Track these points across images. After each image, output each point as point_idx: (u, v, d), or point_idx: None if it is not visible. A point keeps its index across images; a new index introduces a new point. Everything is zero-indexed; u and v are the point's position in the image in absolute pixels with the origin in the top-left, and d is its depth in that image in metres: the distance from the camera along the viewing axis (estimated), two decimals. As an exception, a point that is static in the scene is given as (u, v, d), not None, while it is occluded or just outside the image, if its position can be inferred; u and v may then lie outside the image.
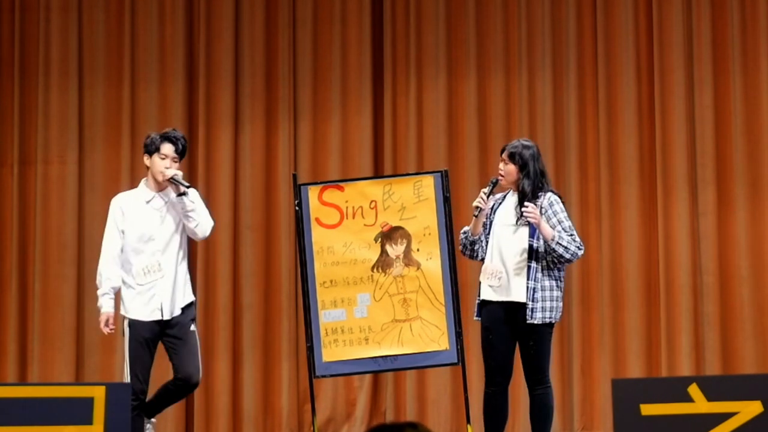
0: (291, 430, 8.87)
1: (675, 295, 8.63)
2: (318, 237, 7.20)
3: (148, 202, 6.55)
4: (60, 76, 9.11)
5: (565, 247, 6.31)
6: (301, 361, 8.79)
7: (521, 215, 6.39)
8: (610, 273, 8.72)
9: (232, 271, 8.92)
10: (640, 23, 8.87)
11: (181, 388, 6.56)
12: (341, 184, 7.38)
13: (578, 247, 6.36)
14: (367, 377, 8.74)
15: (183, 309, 6.56)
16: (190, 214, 6.45)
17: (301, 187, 7.28)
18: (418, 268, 7.16)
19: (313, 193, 7.24)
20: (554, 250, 6.29)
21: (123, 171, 9.06)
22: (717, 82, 8.77)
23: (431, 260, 7.14)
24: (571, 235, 6.37)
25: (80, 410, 6.55)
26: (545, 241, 6.30)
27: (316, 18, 9.13)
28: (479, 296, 6.51)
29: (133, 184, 9.01)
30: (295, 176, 7.48)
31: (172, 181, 6.50)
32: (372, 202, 7.23)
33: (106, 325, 6.57)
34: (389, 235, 7.21)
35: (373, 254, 7.20)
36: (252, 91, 9.09)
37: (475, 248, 6.53)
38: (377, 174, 8.82)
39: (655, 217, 8.73)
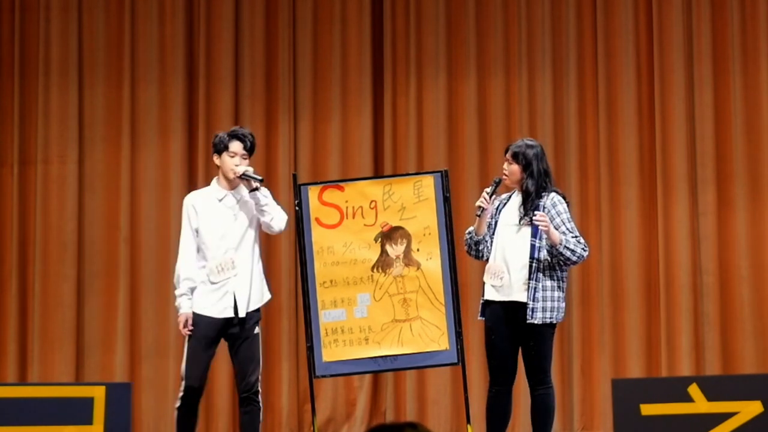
0: (291, 430, 8.87)
1: (675, 295, 8.63)
2: (318, 237, 7.19)
3: (220, 200, 6.55)
4: (60, 76, 9.11)
5: (572, 250, 6.30)
6: (301, 361, 8.79)
7: (524, 215, 6.39)
8: (610, 273, 8.72)
9: (232, 271, 8.92)
10: (640, 23, 8.87)
11: (240, 398, 6.52)
12: (341, 184, 7.38)
13: (583, 248, 6.35)
14: (367, 377, 8.74)
15: (255, 308, 6.51)
16: (264, 208, 6.46)
17: (301, 187, 7.27)
18: (418, 268, 7.16)
19: (313, 193, 7.24)
20: (561, 254, 6.27)
21: (123, 171, 9.06)
22: (717, 82, 8.77)
23: (431, 260, 7.14)
24: (576, 236, 6.35)
25: (80, 410, 6.56)
26: (552, 246, 6.27)
27: (316, 18, 9.13)
28: (483, 296, 6.51)
29: (133, 184, 9.06)
30: (295, 176, 7.48)
31: (244, 177, 6.50)
32: (372, 202, 7.23)
33: (185, 326, 6.46)
34: (389, 235, 7.21)
35: (373, 254, 7.19)
36: (252, 91, 9.09)
37: (480, 248, 6.52)
38: (377, 174, 8.82)
39: (655, 217, 8.73)
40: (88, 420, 6.67)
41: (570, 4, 8.92)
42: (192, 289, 6.48)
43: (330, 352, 7.16)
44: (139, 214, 9.02)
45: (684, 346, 8.58)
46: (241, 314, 6.44)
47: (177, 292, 6.51)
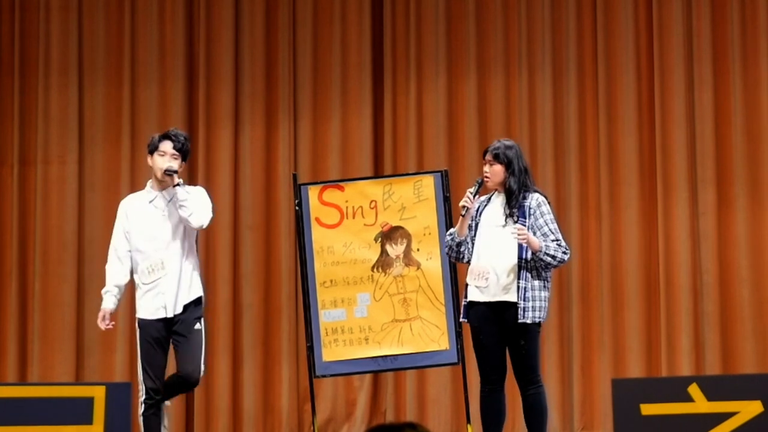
0: (291, 430, 8.87)
1: (675, 295, 8.63)
2: (318, 237, 7.20)
3: (150, 201, 6.57)
4: (60, 76, 9.11)
5: (552, 256, 6.30)
6: (301, 361, 8.79)
7: (510, 215, 6.37)
8: (610, 273, 8.71)
9: (232, 271, 8.92)
10: (640, 23, 8.87)
11: (179, 385, 6.57)
12: (341, 184, 7.39)
13: (564, 252, 6.34)
14: (367, 377, 8.74)
15: (188, 305, 6.53)
16: (182, 203, 6.46)
17: (301, 187, 7.28)
18: (418, 268, 7.17)
19: (313, 193, 7.25)
20: (542, 260, 6.29)
21: (123, 171, 9.06)
22: (717, 82, 8.77)
23: (431, 260, 7.14)
24: (557, 239, 6.34)
25: (80, 410, 6.55)
26: (534, 253, 6.28)
27: (316, 18, 9.13)
28: (466, 297, 6.47)
29: (133, 184, 9.05)
30: (295, 176, 7.49)
31: (166, 173, 6.51)
32: (372, 201, 7.24)
33: (103, 320, 6.61)
34: (389, 234, 7.22)
35: (373, 254, 7.20)
36: (252, 91, 9.09)
37: (461, 249, 6.47)
38: (377, 174, 8.82)
39: (655, 217, 8.73)
40: (88, 420, 6.66)
41: (570, 4, 8.92)
42: (118, 286, 6.60)
43: (330, 352, 7.16)
44: (139, 214, 9.02)
45: (684, 346, 8.57)
46: (170, 314, 6.46)
47: (102, 290, 6.69)
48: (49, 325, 8.94)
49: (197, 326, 6.53)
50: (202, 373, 6.57)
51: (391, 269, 7.19)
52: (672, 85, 8.76)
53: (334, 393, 8.87)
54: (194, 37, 9.17)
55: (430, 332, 7.14)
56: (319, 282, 7.19)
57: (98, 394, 6.63)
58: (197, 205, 6.50)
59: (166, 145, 6.54)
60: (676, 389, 6.34)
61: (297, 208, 7.20)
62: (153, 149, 6.58)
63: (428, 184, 7.19)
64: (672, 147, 8.73)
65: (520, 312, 6.27)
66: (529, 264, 6.30)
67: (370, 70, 9.05)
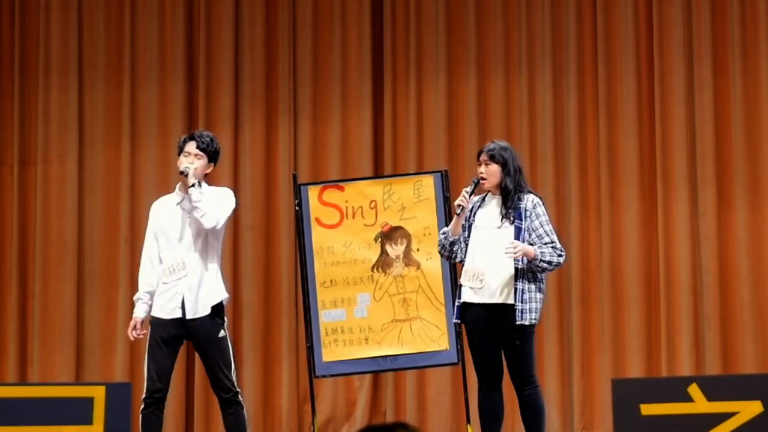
0: (291, 430, 8.87)
1: (675, 295, 8.63)
2: (318, 237, 7.20)
3: (177, 203, 6.55)
4: (60, 76, 9.11)
5: (548, 261, 6.29)
6: (301, 361, 8.79)
7: (506, 215, 6.37)
8: (610, 273, 8.71)
9: (232, 271, 8.91)
10: (640, 23, 8.87)
11: (226, 414, 6.51)
12: (341, 184, 7.39)
13: (559, 255, 6.33)
14: (367, 377, 8.74)
15: (212, 308, 6.46)
16: (195, 204, 6.44)
17: (301, 187, 7.29)
18: (418, 268, 7.17)
19: (313, 193, 7.25)
20: (538, 266, 6.28)
21: (123, 171, 9.06)
22: (717, 82, 8.77)
23: (431, 260, 7.15)
24: (552, 242, 6.33)
25: (80, 410, 6.56)
26: (530, 261, 6.26)
27: (316, 18, 9.13)
28: (459, 298, 6.45)
29: (133, 184, 9.07)
30: (295, 176, 7.49)
31: (181, 174, 6.49)
32: (372, 202, 7.24)
33: (134, 329, 6.49)
34: (389, 235, 7.22)
35: (373, 254, 7.20)
36: (252, 91, 9.10)
37: (454, 249, 6.46)
38: (377, 174, 8.82)
39: (655, 217, 8.73)
40: (88, 420, 6.67)
41: (570, 4, 8.92)
42: (149, 294, 6.48)
43: (330, 352, 7.17)
44: (139, 214, 9.02)
45: (684, 346, 8.57)
46: (189, 316, 6.42)
47: (134, 297, 6.56)
48: (49, 325, 8.94)
49: (221, 334, 6.47)
50: (234, 380, 6.47)
51: (391, 269, 7.19)
52: (672, 86, 8.76)
53: (334, 393, 8.87)
54: (194, 37, 9.18)
55: (430, 332, 7.14)
56: (319, 282, 7.19)
57: (98, 394, 6.65)
58: (212, 205, 6.47)
59: (191, 146, 6.53)
60: (676, 389, 6.34)
61: (297, 208, 7.20)
62: (179, 150, 6.57)
63: (428, 184, 7.20)
64: (672, 147, 8.73)
65: (518, 314, 6.26)
66: (526, 266, 6.30)
67: (370, 71, 9.05)
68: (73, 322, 8.95)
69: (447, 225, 6.99)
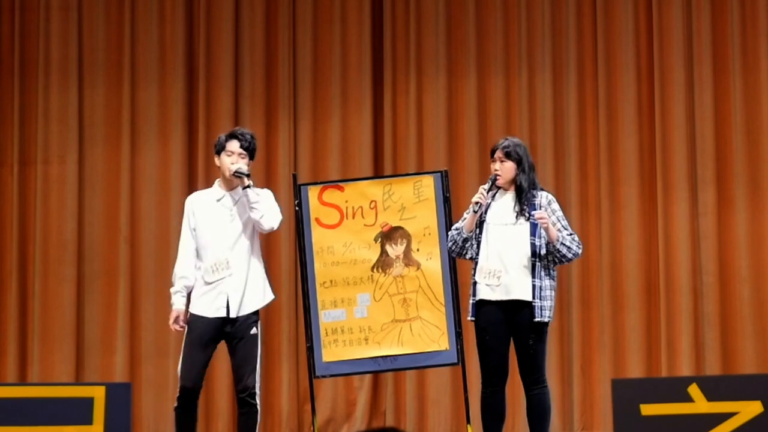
0: (291, 430, 8.87)
1: (675, 295, 8.63)
2: (318, 237, 7.20)
3: (218, 200, 6.55)
4: (60, 76, 9.11)
5: (568, 247, 6.35)
6: (301, 361, 8.79)
7: (521, 212, 6.40)
8: (610, 273, 8.72)
9: (232, 271, 8.91)
10: (640, 23, 8.87)
11: (238, 399, 6.52)
12: (341, 184, 7.38)
13: (578, 245, 6.43)
14: (367, 377, 8.74)
15: (252, 311, 6.49)
16: (253, 205, 6.45)
17: (301, 187, 7.28)
18: (418, 268, 7.16)
19: (313, 193, 7.25)
20: (558, 251, 6.32)
21: (123, 171, 9.06)
22: (717, 82, 8.77)
23: (431, 260, 7.14)
24: (571, 234, 6.42)
25: (80, 410, 6.56)
26: (549, 242, 6.32)
27: (316, 18, 9.13)
28: (474, 296, 6.47)
29: (133, 184, 9.06)
30: (295, 176, 7.48)
31: (236, 174, 6.49)
32: (372, 202, 7.23)
33: (176, 322, 6.49)
34: (389, 235, 7.21)
35: (373, 254, 7.20)
36: (252, 91, 9.09)
37: (466, 246, 6.48)
38: (377, 174, 8.82)
39: (655, 217, 8.73)
40: (88, 420, 6.66)
41: (570, 4, 8.92)
42: (187, 288, 6.50)
43: (330, 353, 7.16)
44: (139, 214, 9.03)
45: (684, 346, 8.58)
46: (233, 314, 6.42)
47: (172, 290, 6.55)
48: (49, 325, 8.94)
49: (254, 331, 6.49)
50: (257, 381, 6.48)
51: (391, 269, 7.19)
52: (672, 85, 8.76)
53: (334, 393, 8.87)
54: (194, 37, 9.17)
55: (430, 332, 7.14)
56: (319, 282, 7.18)
57: (98, 394, 6.64)
58: (269, 208, 6.50)
59: (233, 145, 6.54)
60: (676, 389, 6.34)
61: (297, 208, 7.20)
62: (220, 149, 6.58)
63: (428, 184, 7.19)
64: (672, 147, 8.73)
65: (537, 311, 6.31)
66: (542, 263, 6.34)
67: (370, 70, 9.05)
68: (73, 322, 8.94)
69: (447, 225, 7.00)
